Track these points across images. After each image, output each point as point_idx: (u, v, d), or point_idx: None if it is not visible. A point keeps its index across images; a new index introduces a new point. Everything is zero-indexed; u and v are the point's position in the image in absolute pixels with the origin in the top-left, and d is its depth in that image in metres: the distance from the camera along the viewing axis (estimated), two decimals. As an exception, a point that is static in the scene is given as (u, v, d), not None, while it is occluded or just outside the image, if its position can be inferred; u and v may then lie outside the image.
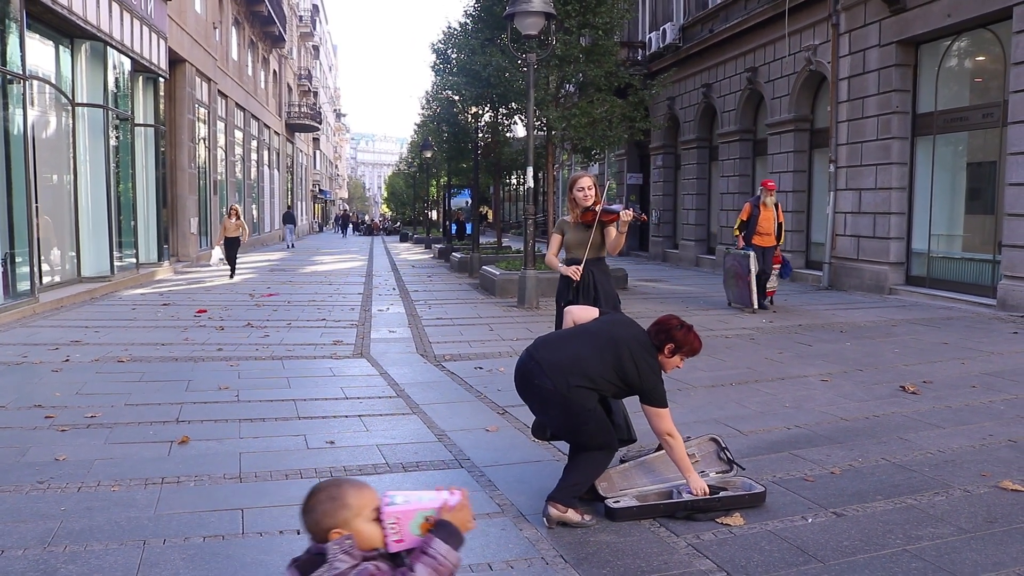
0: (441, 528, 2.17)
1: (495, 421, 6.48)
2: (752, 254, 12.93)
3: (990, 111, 13.64)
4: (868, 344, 9.94)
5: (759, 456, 5.45)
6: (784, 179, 19.02)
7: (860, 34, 16.01)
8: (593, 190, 6.34)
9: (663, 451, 4.78)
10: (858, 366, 8.54)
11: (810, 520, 4.36)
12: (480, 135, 23.80)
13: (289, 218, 41.87)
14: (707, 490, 4.47)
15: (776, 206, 13.53)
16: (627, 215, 6.00)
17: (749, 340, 10.36)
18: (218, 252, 21.15)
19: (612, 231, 6.32)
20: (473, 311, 13.52)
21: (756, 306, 12.92)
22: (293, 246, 39.27)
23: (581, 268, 6.33)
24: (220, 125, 30.24)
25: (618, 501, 4.48)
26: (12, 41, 12.93)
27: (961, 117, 14.31)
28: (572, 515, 4.30)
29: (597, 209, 6.20)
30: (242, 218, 20.70)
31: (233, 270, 20.17)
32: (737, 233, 13.65)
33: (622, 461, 4.87)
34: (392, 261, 28.89)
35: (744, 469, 4.94)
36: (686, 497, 4.50)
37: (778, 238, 13.58)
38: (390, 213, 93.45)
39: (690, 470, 4.48)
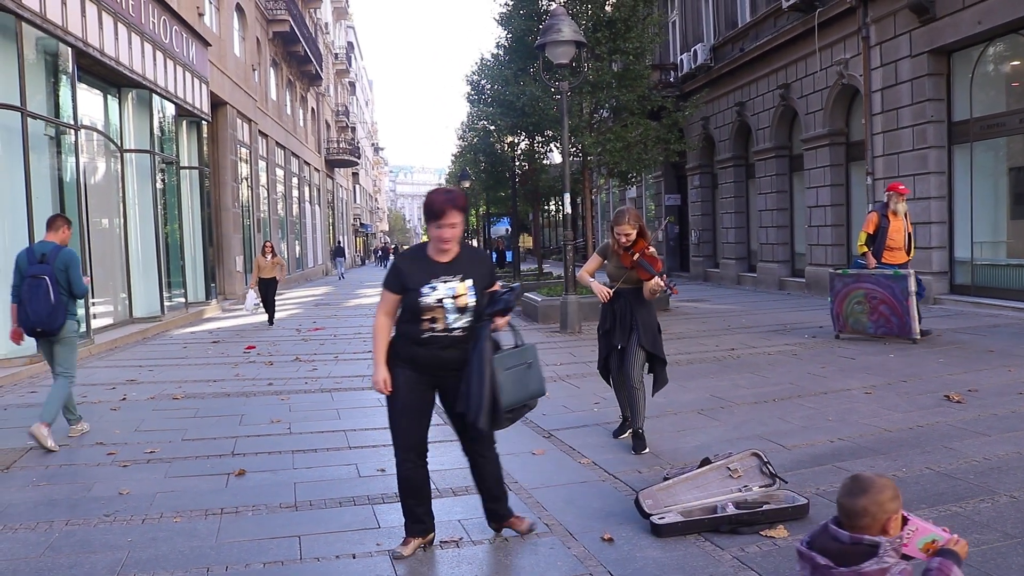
0: (951, 555, 2.46)
1: (541, 444, 6.59)
2: (912, 272, 10.85)
3: (1027, 116, 13.56)
4: (912, 355, 9.90)
5: (802, 470, 5.50)
6: (821, 194, 18.97)
7: (891, 45, 16.00)
8: (633, 235, 6.15)
9: (705, 468, 4.87)
10: (902, 377, 8.52)
11: (854, 530, 4.40)
12: (517, 163, 24.03)
13: (339, 252, 46.03)
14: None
15: (905, 215, 11.51)
16: (658, 285, 5.97)
17: (792, 356, 10.35)
18: (252, 296, 17.84)
19: (646, 283, 6.14)
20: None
21: (918, 335, 10.77)
22: (343, 276, 42.66)
23: (611, 292, 6.25)
24: (261, 164, 30.82)
25: (663, 517, 4.57)
26: (64, 94, 13.42)
27: (998, 123, 14.22)
28: None
29: (635, 259, 6.12)
30: (279, 255, 18.41)
31: (272, 316, 17.45)
32: (865, 249, 11.50)
33: (665, 478, 4.96)
34: (434, 291, 29.02)
35: (787, 482, 5.00)
36: (730, 511, 4.58)
37: (908, 251, 11.56)
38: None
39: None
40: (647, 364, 6.25)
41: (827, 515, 4.61)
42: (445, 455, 6.41)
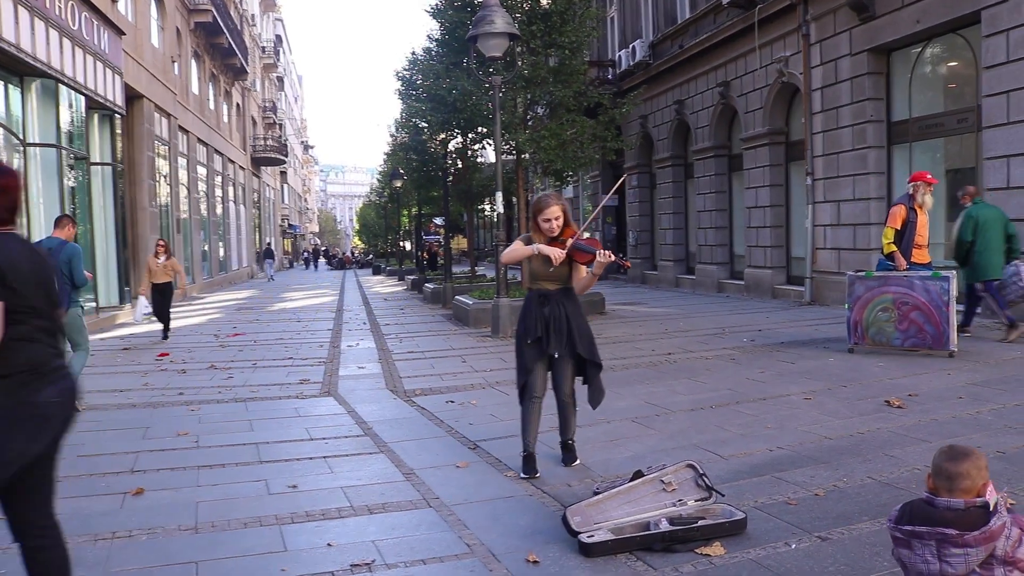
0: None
1: (466, 456, 6.37)
2: (953, 275, 9.81)
3: (965, 116, 13.75)
4: (852, 359, 9.93)
5: (740, 481, 5.37)
6: (761, 194, 19.09)
7: (831, 44, 16.14)
8: (561, 219, 5.67)
9: (638, 481, 4.70)
10: (842, 382, 8.51)
11: (794, 546, 4.28)
12: (449, 162, 23.78)
13: (269, 254, 47.64)
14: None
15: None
16: (605, 257, 5.44)
17: (730, 361, 10.31)
18: (143, 304, 15.30)
19: (582, 270, 5.77)
20: (445, 343, 13.43)
21: (955, 347, 9.68)
22: (273, 278, 44.51)
23: (563, 256, 5.59)
24: (181, 161, 30.07)
25: (592, 535, 4.38)
26: (-44, 82, 12.81)
27: (936, 123, 14.41)
28: None
29: (568, 243, 5.64)
30: (173, 256, 16.08)
31: (167, 328, 15.39)
32: (893, 247, 10.48)
33: (595, 493, 4.77)
34: (364, 295, 28.81)
35: (724, 496, 4.85)
36: (664, 528, 4.41)
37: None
38: (362, 245, 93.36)
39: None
40: (580, 374, 5.88)
41: (766, 530, 4.48)
42: (361, 468, 6.15)
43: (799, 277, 18.04)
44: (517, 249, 5.73)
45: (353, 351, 13.08)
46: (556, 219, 5.66)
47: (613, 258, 5.56)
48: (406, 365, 11.24)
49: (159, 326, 15.74)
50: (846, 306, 10.58)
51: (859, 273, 10.60)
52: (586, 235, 5.81)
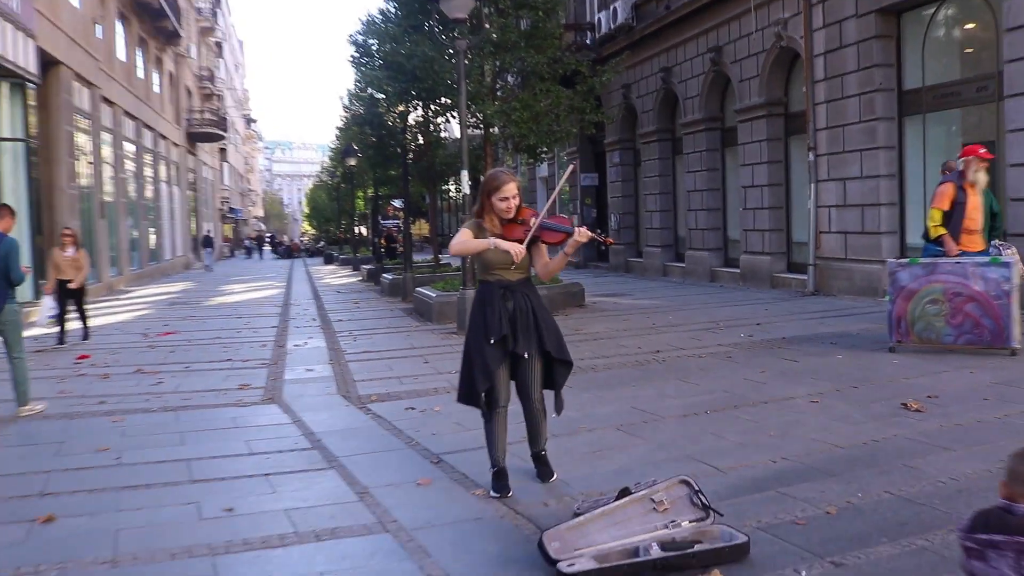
0: None
1: (428, 472, 6.23)
2: (1016, 259, 9.63)
3: (984, 84, 13.75)
4: (863, 356, 9.89)
5: (740, 497, 5.26)
6: (758, 172, 19.08)
7: (834, 4, 16.11)
8: (517, 198, 5.56)
9: (625, 500, 4.57)
10: (852, 382, 8.46)
11: (803, 573, 4.17)
12: (409, 137, 23.56)
13: (208, 242, 48.31)
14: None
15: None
16: (583, 235, 5.34)
17: (726, 359, 10.26)
18: (49, 304, 14.45)
19: (545, 253, 5.67)
20: (405, 341, 13.31)
21: (1018, 343, 9.39)
22: (212, 268, 45.28)
23: (523, 253, 5.40)
24: (106, 137, 29.64)
25: (573, 564, 4.24)
26: None
27: (952, 92, 14.41)
28: None
29: (533, 223, 5.48)
30: (83, 248, 15.18)
31: (86, 328, 14.88)
32: (942, 230, 10.15)
33: (576, 514, 4.64)
34: (314, 287, 28.62)
35: (723, 515, 4.73)
36: (655, 554, 4.28)
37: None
38: (312, 231, 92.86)
39: None
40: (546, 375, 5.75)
41: (771, 554, 4.37)
42: (308, 487, 5.99)
43: (801, 264, 18.04)
44: (469, 242, 5.51)
45: (300, 351, 12.91)
46: (514, 197, 5.53)
47: (593, 234, 5.45)
48: (360, 367, 11.10)
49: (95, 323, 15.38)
50: (887, 298, 10.19)
51: (902, 260, 10.18)
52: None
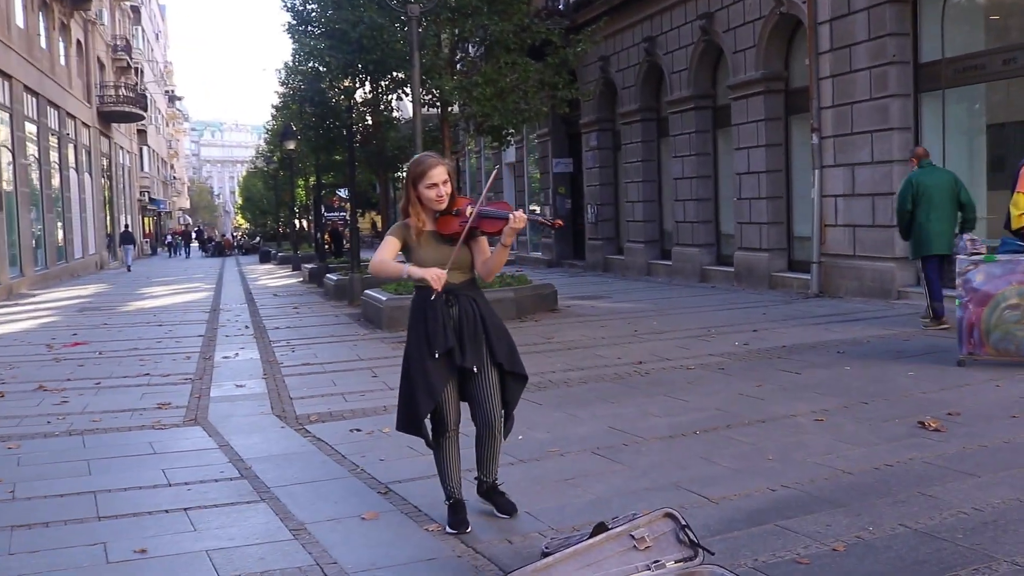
0: None
1: (374, 505, 6.16)
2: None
3: (1012, 56, 13.83)
4: (874, 367, 9.89)
5: (735, 532, 5.24)
6: (754, 157, 19.12)
7: (841, -36, 16.17)
8: (449, 185, 5.45)
9: (601, 536, 4.51)
10: (862, 397, 8.45)
11: (807, 621, 4.14)
12: (355, 117, 23.45)
13: (127, 238, 49.16)
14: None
15: None
16: (519, 220, 5.23)
17: (718, 370, 10.25)
18: None
19: (486, 248, 5.56)
20: (351, 351, 13.25)
21: None
22: (131, 268, 45.88)
23: (443, 278, 5.30)
24: (2, 116, 29.36)
25: (541, 613, 4.18)
26: None
27: (976, 65, 14.49)
28: None
29: (469, 212, 5.39)
30: None
31: None
32: None
33: (545, 553, 4.58)
34: (247, 289, 28.52)
35: (713, 554, 4.69)
36: (636, 600, 4.23)
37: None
38: (247, 225, 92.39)
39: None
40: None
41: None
42: (235, 523, 5.89)
43: (803, 262, 18.08)
44: (385, 265, 5.45)
45: (230, 364, 12.82)
46: (445, 183, 5.40)
47: (541, 219, 5.45)
48: (299, 382, 11.03)
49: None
50: (957, 303, 9.78)
51: (975, 256, 9.70)
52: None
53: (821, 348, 11.30)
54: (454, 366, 5.43)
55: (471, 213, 5.37)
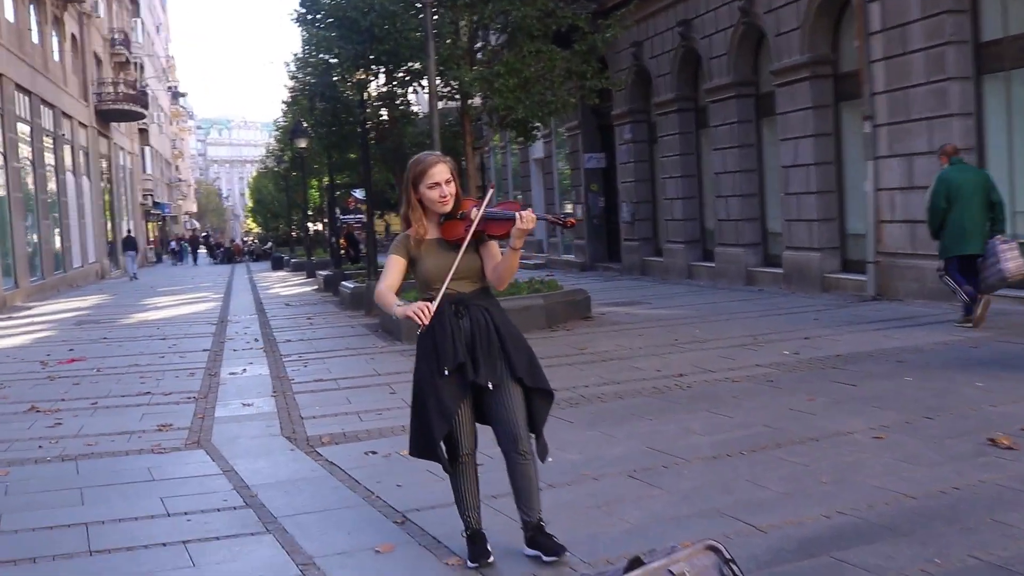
0: None
1: (390, 536, 6.10)
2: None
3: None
4: (938, 378, 9.78)
5: (785, 565, 5.15)
6: (802, 148, 18.98)
7: (893, -64, 16.05)
8: (453, 185, 5.40)
9: (637, 572, 4.39)
10: (925, 412, 8.32)
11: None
12: (369, 111, 23.40)
13: (130, 243, 49.96)
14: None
15: None
16: (527, 220, 5.12)
17: (766, 383, 10.16)
18: None
19: (496, 252, 5.45)
20: (367, 365, 13.23)
21: None
22: (136, 276, 45.72)
23: (436, 303, 5.21)
24: (-6, 118, 29.57)
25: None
26: None
27: (1043, 44, 14.35)
28: None
29: (474, 214, 5.29)
30: None
31: None
32: None
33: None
34: (258, 298, 28.68)
35: (763, 590, 4.58)
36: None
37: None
38: (258, 229, 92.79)
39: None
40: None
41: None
42: (238, 557, 5.81)
43: (858, 262, 17.90)
44: (384, 297, 5.40)
45: (238, 381, 12.83)
46: (447, 183, 5.29)
47: (549, 218, 5.34)
48: (311, 399, 11.03)
49: None
50: None
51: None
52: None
53: (879, 356, 11.17)
54: (467, 383, 5.31)
55: (476, 216, 5.26)
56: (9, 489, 7.81)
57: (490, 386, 5.29)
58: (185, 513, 6.86)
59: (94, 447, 9.19)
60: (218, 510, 6.94)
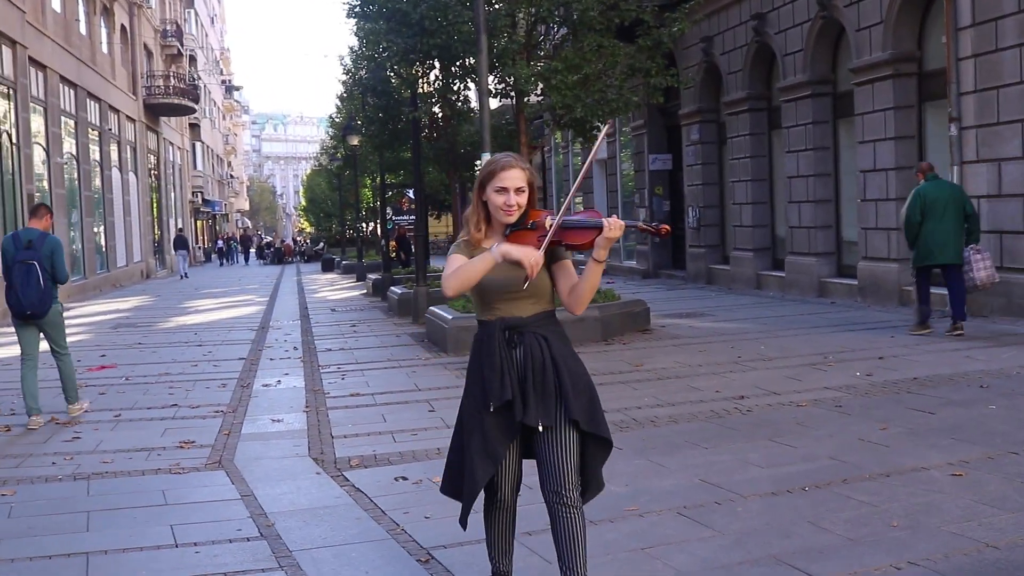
0: None
1: (412, 575, 5.80)
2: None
3: None
4: (1021, 400, 9.55)
5: (849, 626, 4.79)
6: (881, 152, 18.72)
7: (984, -76, 15.74)
8: (525, 196, 4.90)
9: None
10: (1011, 446, 8.03)
11: None
12: (422, 108, 23.26)
13: (181, 243, 50.12)
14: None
15: None
16: (614, 228, 4.68)
17: (834, 408, 9.89)
18: None
19: (569, 267, 4.97)
20: (408, 379, 13.11)
21: None
22: (187, 275, 47.54)
23: (540, 256, 4.69)
24: (36, 110, 29.74)
25: None
26: None
27: None
28: None
29: (548, 223, 4.83)
30: None
31: None
32: None
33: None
34: (303, 302, 28.76)
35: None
36: None
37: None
38: (310, 229, 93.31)
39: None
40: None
41: None
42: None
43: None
44: (467, 268, 4.78)
45: (270, 393, 12.73)
46: (518, 191, 4.84)
47: (640, 225, 4.86)
48: (345, 416, 10.89)
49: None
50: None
51: None
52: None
53: (960, 381, 10.89)
54: (516, 422, 4.83)
55: (551, 224, 4.81)
56: (13, 511, 7.67)
57: (540, 428, 4.81)
58: (195, 544, 6.69)
59: (110, 465, 9.08)
60: (230, 541, 6.74)
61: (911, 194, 14.25)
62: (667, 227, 4.85)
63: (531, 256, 4.58)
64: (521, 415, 4.76)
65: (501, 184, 4.80)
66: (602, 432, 4.90)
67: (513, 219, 4.84)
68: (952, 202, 13.84)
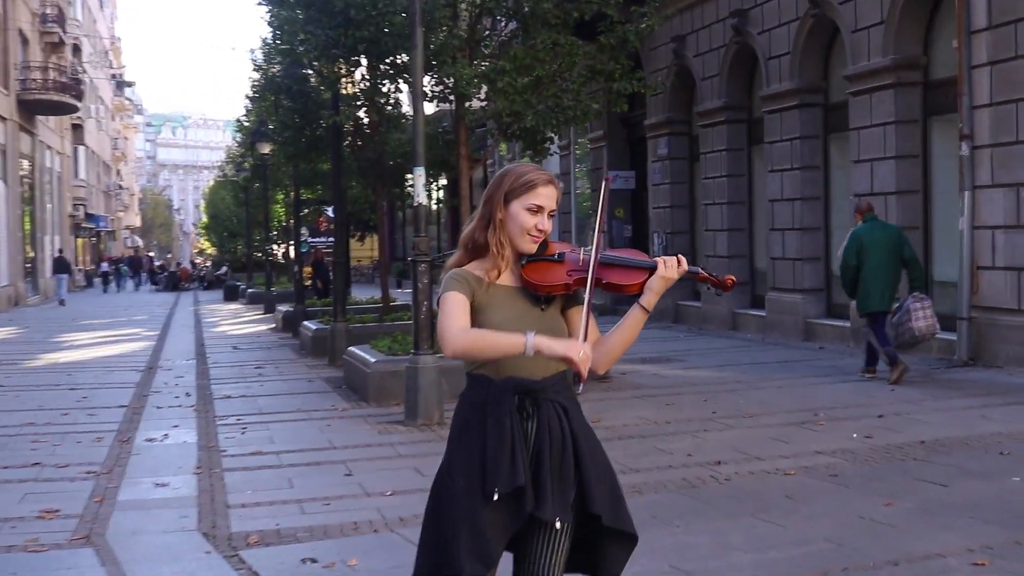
0: None
1: None
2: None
3: None
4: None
5: None
6: (880, 172, 18.82)
7: (1001, -88, 15.80)
8: (551, 223, 4.61)
9: None
10: (1039, 527, 7.93)
11: None
12: (344, 112, 23.06)
13: (62, 265, 51.65)
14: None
15: None
16: (672, 268, 4.37)
17: (828, 478, 9.77)
18: None
19: (576, 318, 4.55)
20: (321, 435, 12.93)
21: None
22: (65, 302, 48.79)
23: (586, 362, 4.29)
24: None
25: None
26: None
27: None
28: None
29: (582, 260, 4.50)
30: None
31: None
32: None
33: None
34: (200, 338, 28.57)
35: None
36: None
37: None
38: (212, 250, 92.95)
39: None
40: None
41: None
42: None
43: (947, 317, 17.46)
44: (489, 341, 4.38)
45: (154, 450, 12.48)
46: (551, 215, 4.53)
47: (702, 273, 4.48)
48: (243, 480, 10.69)
49: None
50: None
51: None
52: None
53: (976, 445, 10.83)
54: (521, 514, 4.37)
55: (584, 258, 4.49)
56: None
57: (557, 525, 4.36)
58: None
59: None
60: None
61: (848, 236, 15.47)
62: (732, 278, 4.46)
63: (576, 351, 4.24)
64: (532, 507, 4.33)
65: (536, 202, 4.47)
66: (626, 527, 4.54)
67: (534, 248, 4.51)
68: (888, 245, 14.97)
